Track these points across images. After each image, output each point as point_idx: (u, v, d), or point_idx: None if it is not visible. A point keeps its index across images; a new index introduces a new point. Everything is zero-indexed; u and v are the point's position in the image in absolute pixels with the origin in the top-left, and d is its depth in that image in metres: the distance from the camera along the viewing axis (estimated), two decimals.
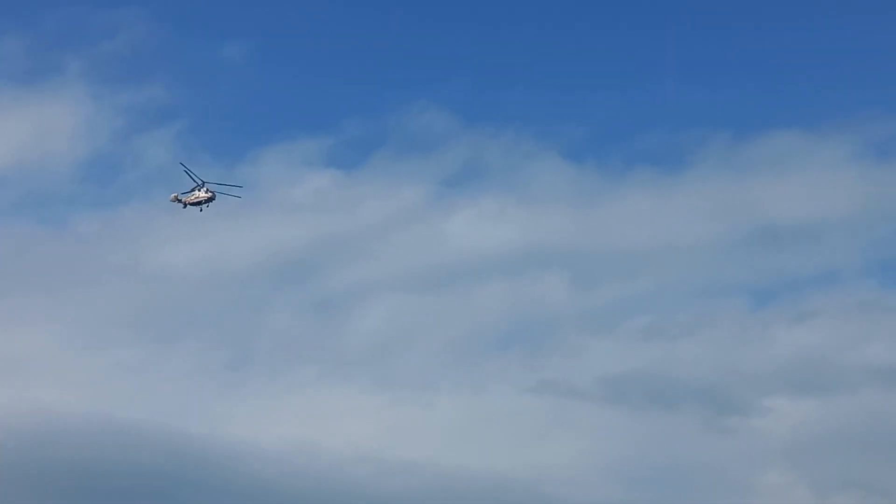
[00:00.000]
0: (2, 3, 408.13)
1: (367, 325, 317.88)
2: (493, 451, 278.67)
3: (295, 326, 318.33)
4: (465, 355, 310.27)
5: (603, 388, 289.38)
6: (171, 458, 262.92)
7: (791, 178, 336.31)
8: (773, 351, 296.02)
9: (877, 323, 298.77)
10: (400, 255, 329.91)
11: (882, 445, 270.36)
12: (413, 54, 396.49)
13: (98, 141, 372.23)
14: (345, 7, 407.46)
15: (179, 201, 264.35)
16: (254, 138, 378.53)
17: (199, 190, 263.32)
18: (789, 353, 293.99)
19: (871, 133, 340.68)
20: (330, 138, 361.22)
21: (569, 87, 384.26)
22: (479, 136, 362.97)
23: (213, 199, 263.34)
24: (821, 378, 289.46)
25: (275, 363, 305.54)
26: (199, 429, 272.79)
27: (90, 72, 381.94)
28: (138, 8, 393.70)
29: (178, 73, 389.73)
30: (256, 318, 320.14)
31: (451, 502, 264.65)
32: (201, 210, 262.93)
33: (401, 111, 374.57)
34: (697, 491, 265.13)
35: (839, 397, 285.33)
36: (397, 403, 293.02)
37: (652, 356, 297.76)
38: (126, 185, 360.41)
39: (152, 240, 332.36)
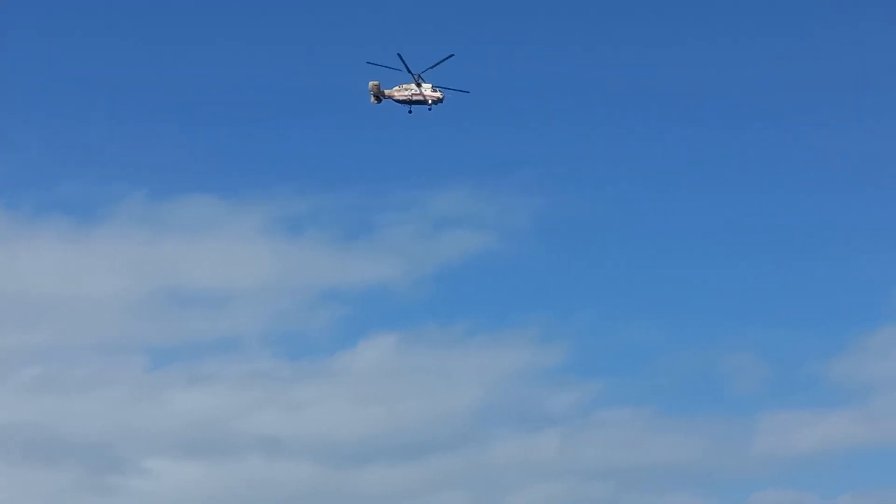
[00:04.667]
0: None
1: None
2: None
3: None
4: None
5: None
6: None
7: (204, 243, 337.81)
8: (164, 412, 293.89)
9: (267, 392, 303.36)
10: None
11: None
12: None
13: None
14: None
15: (379, 93, 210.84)
16: None
17: (420, 86, 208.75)
18: (181, 415, 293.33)
19: (284, 208, 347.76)
20: None
21: None
22: None
23: (442, 102, 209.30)
24: (209, 442, 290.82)
25: None
26: None
27: None
28: None
29: None
30: None
31: None
32: (410, 111, 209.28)
33: None
34: None
35: (226, 462, 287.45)
36: None
37: (39, 409, 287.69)
38: None
39: None
